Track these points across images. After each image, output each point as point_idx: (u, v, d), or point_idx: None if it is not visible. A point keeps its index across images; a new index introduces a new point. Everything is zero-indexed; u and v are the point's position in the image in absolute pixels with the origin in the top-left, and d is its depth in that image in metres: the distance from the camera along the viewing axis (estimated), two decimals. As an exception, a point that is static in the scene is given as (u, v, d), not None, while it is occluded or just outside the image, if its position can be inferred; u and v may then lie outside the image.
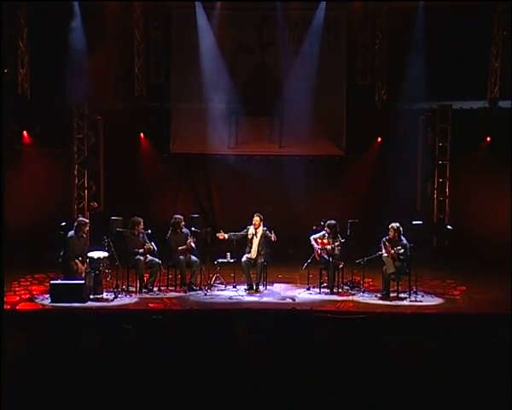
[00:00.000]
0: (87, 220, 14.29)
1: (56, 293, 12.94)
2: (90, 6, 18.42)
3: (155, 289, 14.10)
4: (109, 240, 13.66)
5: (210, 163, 19.38)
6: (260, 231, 14.38)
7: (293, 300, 13.48)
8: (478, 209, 18.41)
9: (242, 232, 14.48)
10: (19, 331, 9.80)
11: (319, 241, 14.22)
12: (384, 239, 13.82)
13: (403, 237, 13.80)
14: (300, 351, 9.55)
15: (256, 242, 14.38)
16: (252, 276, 14.35)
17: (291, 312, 12.39)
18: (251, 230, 14.43)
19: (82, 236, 13.67)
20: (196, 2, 18.85)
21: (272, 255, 14.61)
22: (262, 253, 14.33)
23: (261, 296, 13.96)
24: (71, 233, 13.61)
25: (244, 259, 14.29)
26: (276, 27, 19.02)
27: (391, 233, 13.80)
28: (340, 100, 19.37)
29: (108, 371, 8.61)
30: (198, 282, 14.33)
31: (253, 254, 14.35)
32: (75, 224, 13.75)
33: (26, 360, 9.11)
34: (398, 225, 13.82)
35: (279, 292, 14.36)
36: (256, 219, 14.42)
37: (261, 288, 14.36)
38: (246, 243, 14.50)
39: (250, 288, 14.25)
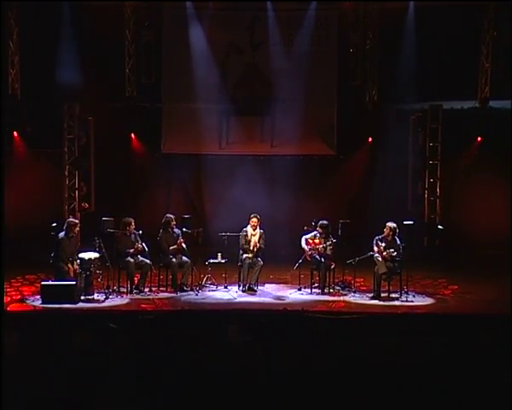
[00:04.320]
0: (77, 221, 14.27)
1: (47, 294, 12.92)
2: (80, 6, 18.37)
3: (146, 289, 14.09)
4: (100, 241, 13.64)
5: (201, 163, 19.34)
6: (258, 232, 14.40)
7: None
8: (469, 209, 18.42)
9: (242, 238, 14.48)
10: (9, 332, 9.77)
11: (311, 241, 14.22)
12: (377, 238, 13.83)
13: (397, 239, 13.80)
14: (292, 351, 9.55)
15: (254, 241, 14.38)
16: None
17: (282, 312, 12.39)
18: (249, 231, 14.43)
19: (72, 236, 13.65)
20: (187, 3, 18.83)
21: (263, 256, 14.62)
22: (258, 253, 14.35)
23: (252, 297, 13.96)
24: (61, 234, 13.58)
25: (246, 260, 14.28)
26: (266, 28, 19.00)
27: (386, 231, 13.79)
28: (331, 100, 19.36)
29: (100, 372, 8.60)
30: (189, 282, 14.33)
31: (251, 253, 14.34)
32: (65, 225, 13.72)
33: (17, 361, 9.09)
34: (395, 225, 13.82)
35: (270, 292, 14.36)
36: (254, 219, 14.44)
37: (254, 288, 14.36)
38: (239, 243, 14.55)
39: (248, 288, 14.23)
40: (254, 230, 14.43)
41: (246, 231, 14.46)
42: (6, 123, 18.07)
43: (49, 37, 18.05)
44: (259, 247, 14.38)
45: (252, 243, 14.39)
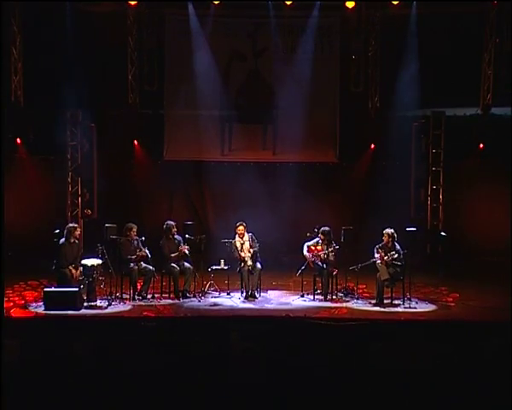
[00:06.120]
0: (76, 225, 14.30)
1: (50, 300, 12.92)
2: (83, 13, 18.39)
3: (149, 296, 14.09)
4: (103, 247, 13.65)
5: (204, 170, 19.36)
6: (246, 237, 14.41)
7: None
8: (471, 216, 18.44)
9: (234, 250, 14.46)
10: (12, 339, 9.77)
11: (313, 248, 14.22)
12: (377, 246, 13.84)
13: (396, 244, 13.82)
14: (294, 358, 9.55)
15: (246, 247, 14.38)
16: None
17: (285, 319, 12.39)
18: (237, 239, 14.43)
19: (74, 242, 13.65)
20: (190, 10, 18.85)
21: (266, 262, 14.62)
22: (255, 258, 14.35)
23: (255, 303, 13.96)
24: (62, 240, 13.60)
25: (245, 268, 14.24)
26: (269, 34, 19.02)
27: (385, 239, 13.84)
28: (333, 107, 19.37)
29: (103, 379, 8.60)
30: (192, 289, 14.33)
31: (249, 260, 14.33)
32: (65, 230, 13.74)
33: (19, 368, 9.09)
34: (392, 231, 13.86)
35: (273, 299, 14.36)
36: (240, 228, 14.45)
37: (255, 295, 14.35)
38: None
39: (250, 295, 14.21)
40: (242, 237, 14.45)
41: (235, 243, 14.45)
42: (9, 130, 18.08)
43: (52, 43, 18.06)
44: (254, 251, 14.38)
45: (245, 251, 14.38)
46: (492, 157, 18.36)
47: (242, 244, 14.42)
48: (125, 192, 18.94)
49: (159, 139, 19.43)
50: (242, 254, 14.36)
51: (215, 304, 13.85)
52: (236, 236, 14.47)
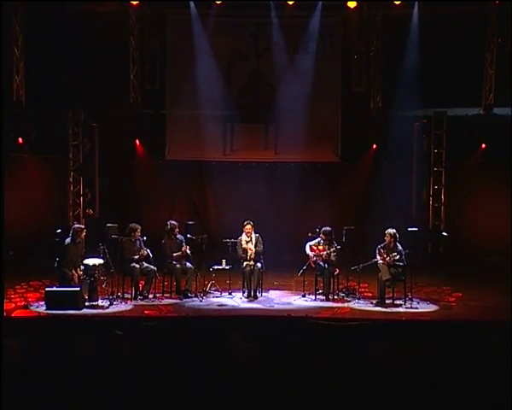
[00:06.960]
0: (82, 226, 14.34)
1: (52, 300, 12.93)
2: (85, 13, 18.40)
3: (150, 296, 14.09)
4: (104, 247, 13.65)
5: (205, 170, 19.39)
6: (253, 237, 14.39)
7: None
8: (473, 216, 18.42)
9: (239, 248, 14.44)
10: (12, 339, 9.77)
11: (315, 248, 14.21)
12: (379, 246, 13.83)
13: (398, 244, 13.82)
14: (295, 358, 9.54)
15: (251, 247, 14.36)
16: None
17: (286, 318, 12.38)
18: (244, 238, 14.42)
19: (79, 242, 13.66)
20: (191, 9, 18.85)
21: (268, 262, 14.62)
22: (257, 258, 14.33)
23: (256, 303, 13.96)
24: (67, 240, 13.59)
25: (246, 268, 14.24)
26: (271, 34, 19.01)
27: (387, 239, 13.83)
28: (335, 107, 19.38)
29: (104, 379, 8.59)
30: (193, 289, 14.33)
31: (251, 260, 14.32)
32: (71, 231, 13.73)
33: (21, 368, 9.09)
34: (394, 231, 13.85)
35: (274, 299, 14.35)
36: (248, 226, 14.42)
37: (257, 294, 14.35)
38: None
39: (249, 295, 14.21)
40: (249, 236, 14.43)
41: (241, 241, 14.45)
42: (11, 129, 18.10)
43: (54, 43, 18.08)
44: (257, 251, 14.36)
45: (248, 252, 14.36)
46: (494, 157, 18.35)
47: (248, 242, 14.41)
48: (127, 192, 18.96)
49: (160, 139, 19.44)
50: (245, 253, 14.36)
51: (216, 304, 13.86)
52: (243, 234, 14.46)
